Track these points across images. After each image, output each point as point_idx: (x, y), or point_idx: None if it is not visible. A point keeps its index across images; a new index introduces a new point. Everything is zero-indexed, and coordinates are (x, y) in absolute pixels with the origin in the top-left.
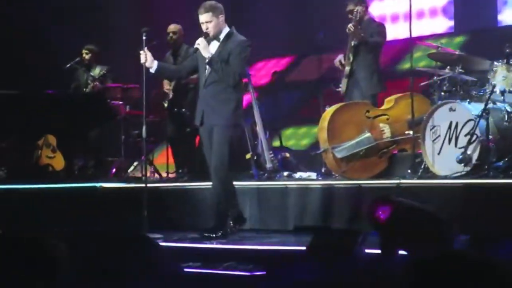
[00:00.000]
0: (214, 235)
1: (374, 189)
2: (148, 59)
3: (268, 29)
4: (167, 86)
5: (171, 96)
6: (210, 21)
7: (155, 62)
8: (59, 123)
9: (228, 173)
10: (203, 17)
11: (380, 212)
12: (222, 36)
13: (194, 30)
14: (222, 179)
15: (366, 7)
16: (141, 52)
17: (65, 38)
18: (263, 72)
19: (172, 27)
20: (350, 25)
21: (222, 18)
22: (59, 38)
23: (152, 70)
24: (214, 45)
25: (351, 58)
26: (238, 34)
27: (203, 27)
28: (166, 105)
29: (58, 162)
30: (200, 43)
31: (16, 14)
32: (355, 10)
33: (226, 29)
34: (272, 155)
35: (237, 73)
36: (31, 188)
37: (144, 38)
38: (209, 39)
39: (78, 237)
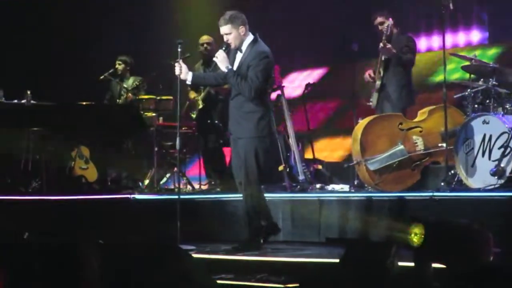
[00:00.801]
0: (245, 248)
1: (407, 202)
2: (183, 71)
3: (301, 40)
4: (193, 95)
5: (201, 106)
6: (230, 33)
7: (190, 73)
8: (93, 135)
9: (257, 186)
10: (223, 29)
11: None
12: (244, 47)
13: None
14: (250, 193)
15: (395, 21)
16: (176, 63)
17: (100, 49)
18: (296, 83)
19: (206, 38)
20: (382, 43)
21: (243, 28)
22: (94, 50)
23: (188, 81)
24: (239, 56)
25: (382, 73)
26: (261, 43)
27: (224, 38)
28: (194, 116)
29: (91, 173)
30: (218, 56)
31: (51, 27)
32: (386, 24)
33: (250, 38)
34: (305, 167)
35: (252, 89)
36: (64, 199)
37: (179, 50)
38: (231, 50)
39: (110, 247)
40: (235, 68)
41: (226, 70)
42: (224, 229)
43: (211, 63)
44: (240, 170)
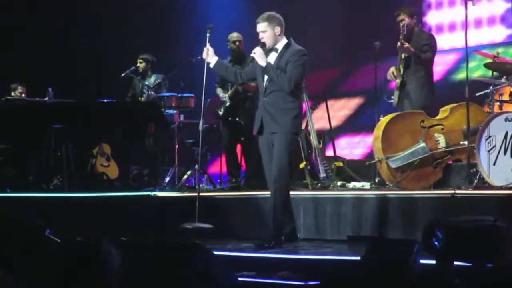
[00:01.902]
0: (268, 245)
1: (429, 200)
2: (209, 53)
3: (322, 38)
4: (221, 94)
5: (228, 104)
6: (265, 31)
7: (215, 58)
8: (114, 132)
9: (286, 182)
10: (259, 27)
11: (435, 239)
12: (280, 47)
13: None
14: (279, 187)
15: (416, 18)
16: (205, 48)
17: (122, 46)
18: (317, 81)
19: (236, 36)
20: (400, 41)
21: (278, 29)
22: (116, 47)
23: (211, 65)
24: (273, 56)
25: (402, 70)
26: (296, 44)
27: (259, 36)
28: (221, 113)
29: (113, 170)
30: (256, 51)
31: (74, 24)
32: (404, 23)
33: (284, 41)
34: (326, 164)
35: (292, 79)
36: (86, 196)
37: (208, 34)
38: (266, 50)
39: (131, 245)
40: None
41: (264, 64)
42: (245, 227)
43: (240, 61)
44: (274, 165)
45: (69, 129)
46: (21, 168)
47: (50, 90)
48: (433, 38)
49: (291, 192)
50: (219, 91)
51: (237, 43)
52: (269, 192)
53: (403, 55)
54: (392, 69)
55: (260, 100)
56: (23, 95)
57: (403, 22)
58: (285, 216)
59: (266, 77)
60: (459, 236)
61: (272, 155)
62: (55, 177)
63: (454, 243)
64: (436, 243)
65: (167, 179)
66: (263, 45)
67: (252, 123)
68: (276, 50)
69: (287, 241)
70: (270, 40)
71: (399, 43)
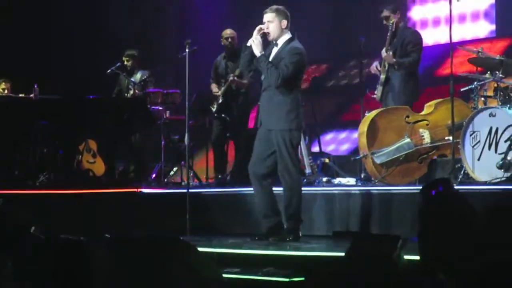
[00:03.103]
0: (287, 239)
1: (414, 195)
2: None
3: (308, 34)
4: (215, 89)
5: (220, 100)
6: (272, 21)
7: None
8: (101, 128)
9: (297, 176)
10: (267, 16)
11: (433, 190)
12: (281, 43)
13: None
14: (289, 183)
15: (400, 14)
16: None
17: (108, 42)
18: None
19: (229, 32)
20: (384, 49)
21: (285, 22)
22: (101, 42)
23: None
24: (274, 50)
25: (386, 66)
26: (297, 41)
27: (265, 26)
28: (214, 109)
29: (99, 167)
30: (255, 40)
31: (59, 20)
32: (393, 21)
33: (287, 36)
34: (312, 160)
35: (280, 76)
36: (72, 193)
37: (187, 50)
38: (272, 44)
39: (116, 241)
40: (271, 59)
41: (259, 54)
42: (231, 223)
43: (234, 57)
44: (278, 162)
45: (55, 126)
46: (7, 164)
47: (35, 86)
48: (418, 35)
49: (275, 188)
50: (213, 87)
51: (230, 39)
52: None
53: (388, 51)
54: (376, 63)
55: (260, 95)
56: (6, 91)
57: (391, 20)
58: (298, 208)
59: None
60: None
61: (266, 150)
62: (41, 173)
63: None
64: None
65: (153, 175)
66: (264, 35)
67: (245, 119)
68: (277, 45)
69: (272, 235)
70: (275, 31)
71: (383, 52)
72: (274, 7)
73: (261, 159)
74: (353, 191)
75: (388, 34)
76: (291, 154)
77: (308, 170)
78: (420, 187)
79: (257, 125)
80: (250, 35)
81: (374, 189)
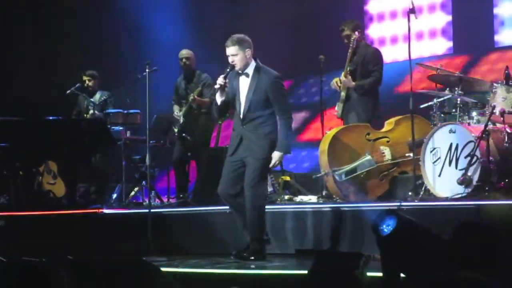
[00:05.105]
0: (254, 257)
1: (375, 212)
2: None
3: (268, 53)
4: (176, 111)
5: (182, 121)
6: (236, 54)
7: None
8: (61, 150)
9: (264, 199)
10: (230, 50)
11: (385, 225)
12: (251, 71)
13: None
14: (259, 204)
15: (360, 32)
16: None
17: (67, 63)
18: None
19: (185, 53)
20: (344, 74)
21: (249, 52)
22: (60, 63)
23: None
24: (245, 81)
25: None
26: (266, 67)
27: (230, 59)
28: (176, 130)
29: (59, 188)
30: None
31: (18, 39)
32: (354, 38)
33: (253, 64)
34: (273, 178)
35: (288, 111)
36: (32, 214)
37: (147, 70)
38: (235, 73)
39: (78, 263)
40: (246, 92)
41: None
42: (194, 242)
43: (191, 77)
44: (235, 180)
45: (15, 147)
46: None
47: None
48: (379, 54)
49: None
50: (175, 108)
51: (184, 60)
52: (218, 207)
53: (348, 68)
54: (336, 79)
55: (237, 126)
56: None
57: (352, 37)
58: (263, 228)
59: (243, 106)
60: (405, 229)
61: (237, 172)
62: (1, 195)
63: (399, 235)
64: (384, 228)
65: (114, 195)
66: (232, 68)
67: (207, 137)
68: (247, 75)
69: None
70: (241, 63)
71: (343, 77)
72: (235, 38)
73: (231, 184)
74: (314, 209)
75: (349, 51)
76: (263, 176)
77: (270, 189)
78: (383, 204)
79: (217, 145)
80: (209, 54)
81: (336, 206)
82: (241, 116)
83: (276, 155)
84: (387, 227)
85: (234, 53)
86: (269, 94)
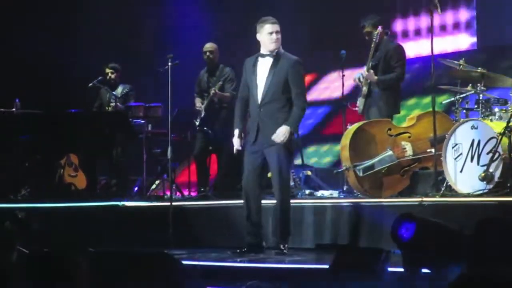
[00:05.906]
0: (284, 251)
1: (396, 207)
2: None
3: (288, 47)
4: (198, 104)
5: (203, 114)
6: (279, 32)
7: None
8: (82, 142)
9: (289, 191)
10: (276, 27)
11: (404, 230)
12: (279, 53)
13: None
14: (285, 198)
15: (383, 27)
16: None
17: (89, 57)
18: None
19: (209, 46)
20: (366, 69)
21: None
22: (83, 57)
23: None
24: (265, 63)
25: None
26: (288, 53)
27: (273, 36)
28: (197, 123)
29: (80, 181)
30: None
31: (39, 34)
32: (377, 32)
33: (281, 47)
34: (294, 173)
35: (304, 95)
36: (54, 206)
37: (169, 64)
38: (256, 58)
39: (99, 255)
40: (266, 74)
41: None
42: (214, 236)
43: (214, 71)
44: (273, 176)
45: (37, 140)
46: None
47: (17, 101)
48: (402, 49)
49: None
50: (197, 101)
51: (208, 53)
52: (238, 201)
53: (370, 63)
54: (359, 74)
55: (253, 111)
56: None
57: (374, 32)
58: (290, 222)
59: (261, 89)
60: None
61: (259, 165)
62: (23, 187)
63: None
64: (404, 233)
65: (136, 189)
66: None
67: (228, 132)
68: (271, 57)
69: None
70: (280, 42)
71: (365, 71)
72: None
73: (254, 176)
74: (335, 204)
75: (372, 45)
76: (288, 167)
77: (291, 183)
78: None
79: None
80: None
81: (357, 202)
82: (259, 100)
83: (283, 128)
84: (407, 232)
85: (279, 30)
86: (289, 76)
